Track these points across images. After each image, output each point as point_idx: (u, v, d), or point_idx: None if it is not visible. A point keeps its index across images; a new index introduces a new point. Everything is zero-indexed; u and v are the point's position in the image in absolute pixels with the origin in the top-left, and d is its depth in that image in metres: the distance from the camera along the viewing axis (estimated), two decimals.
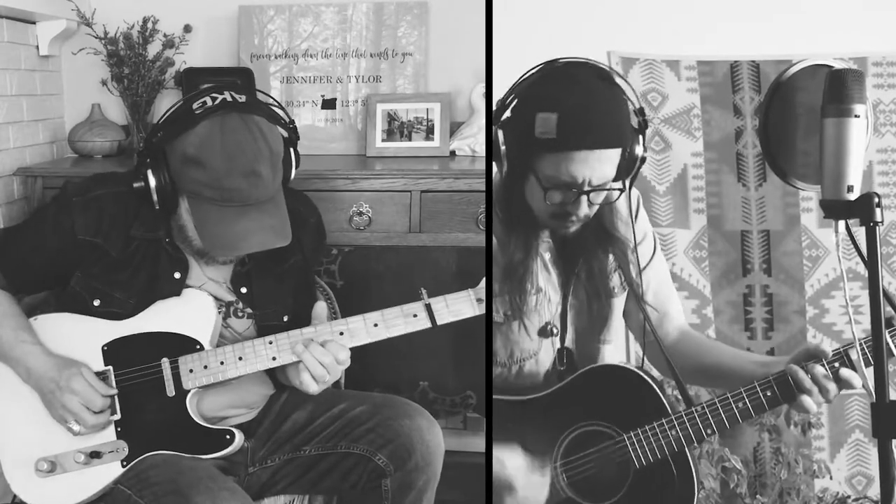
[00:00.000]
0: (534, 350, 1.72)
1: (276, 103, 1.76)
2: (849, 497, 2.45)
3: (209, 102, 1.64)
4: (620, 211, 1.71)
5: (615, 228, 1.70)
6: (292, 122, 1.77)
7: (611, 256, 1.71)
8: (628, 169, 1.61)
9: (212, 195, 1.62)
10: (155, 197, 1.67)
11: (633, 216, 1.72)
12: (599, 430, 1.64)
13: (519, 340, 1.71)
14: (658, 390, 1.63)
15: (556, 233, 1.68)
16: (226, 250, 1.68)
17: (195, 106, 1.64)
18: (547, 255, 1.71)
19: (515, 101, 1.59)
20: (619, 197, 1.63)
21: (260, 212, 1.64)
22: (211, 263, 1.79)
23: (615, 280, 1.74)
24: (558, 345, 1.72)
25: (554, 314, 1.72)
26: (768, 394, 1.59)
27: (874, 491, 2.45)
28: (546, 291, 1.71)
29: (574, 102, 1.54)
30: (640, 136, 1.61)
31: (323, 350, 1.69)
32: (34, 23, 2.54)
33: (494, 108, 1.62)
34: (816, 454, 2.44)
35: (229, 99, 1.65)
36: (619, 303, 1.77)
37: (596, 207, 1.63)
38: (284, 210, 1.69)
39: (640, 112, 1.62)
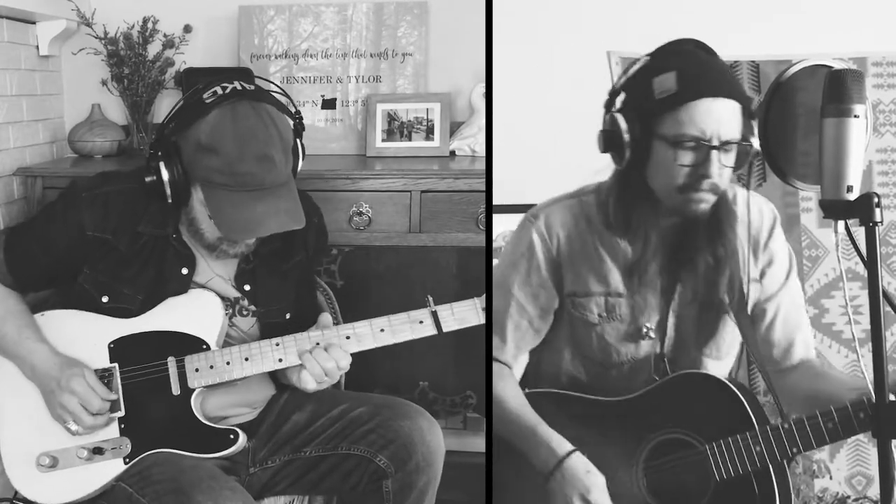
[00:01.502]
0: (630, 354, 1.70)
1: (280, 90, 1.78)
2: (849, 497, 2.45)
3: (220, 91, 1.66)
4: (739, 215, 1.62)
5: (730, 227, 1.61)
6: (298, 112, 1.79)
7: (727, 270, 1.62)
8: (741, 159, 1.55)
9: (226, 181, 1.63)
10: (168, 190, 1.68)
11: (768, 235, 1.67)
12: (684, 439, 1.61)
13: (614, 343, 1.69)
14: (746, 404, 1.56)
15: (684, 214, 1.59)
16: (244, 233, 1.69)
17: (206, 96, 1.67)
18: (655, 260, 1.65)
19: (629, 80, 1.58)
20: (751, 158, 1.55)
21: (274, 196, 1.65)
22: (221, 257, 1.79)
23: (732, 293, 1.64)
24: (657, 351, 1.69)
25: (653, 319, 1.68)
26: (861, 416, 1.49)
27: (874, 491, 2.44)
28: (646, 296, 1.67)
29: (689, 60, 1.54)
30: (753, 124, 1.55)
31: (326, 355, 1.71)
32: (34, 23, 2.54)
33: (606, 96, 1.60)
34: (816, 454, 2.43)
35: (239, 88, 1.67)
36: (733, 318, 1.69)
37: (728, 171, 1.55)
38: (297, 195, 1.70)
39: (747, 98, 1.57)
